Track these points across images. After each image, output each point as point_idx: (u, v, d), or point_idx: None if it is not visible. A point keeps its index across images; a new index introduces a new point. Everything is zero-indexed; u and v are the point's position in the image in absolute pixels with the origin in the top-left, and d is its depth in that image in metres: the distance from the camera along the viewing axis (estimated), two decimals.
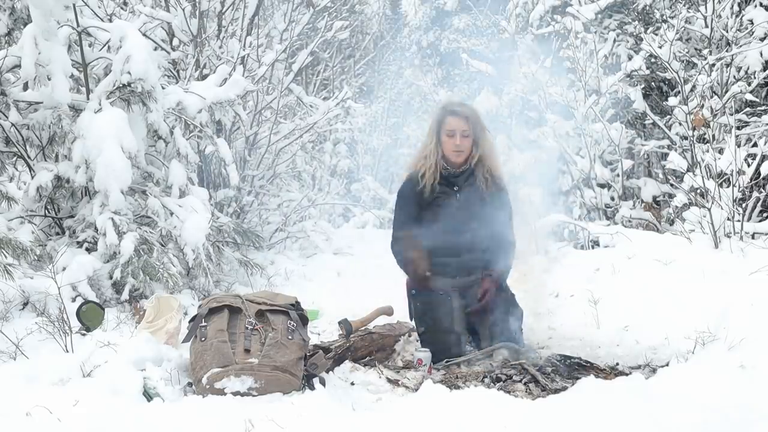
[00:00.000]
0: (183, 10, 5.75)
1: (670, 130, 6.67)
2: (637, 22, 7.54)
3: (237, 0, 6.23)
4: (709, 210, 4.16)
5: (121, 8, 6.01)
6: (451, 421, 1.96)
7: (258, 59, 6.34)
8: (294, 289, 4.48)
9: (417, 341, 3.19)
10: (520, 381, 2.69)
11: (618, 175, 6.70)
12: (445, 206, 3.25)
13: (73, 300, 3.50)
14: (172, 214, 4.17)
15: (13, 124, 4.02)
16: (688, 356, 2.66)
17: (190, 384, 2.48)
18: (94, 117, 3.84)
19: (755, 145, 4.90)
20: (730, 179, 4.28)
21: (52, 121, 3.96)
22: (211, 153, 5.06)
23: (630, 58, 7.17)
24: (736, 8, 5.77)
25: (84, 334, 2.93)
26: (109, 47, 4.11)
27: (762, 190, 4.85)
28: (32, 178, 4.06)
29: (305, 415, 2.07)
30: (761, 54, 5.57)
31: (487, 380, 2.73)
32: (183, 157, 4.49)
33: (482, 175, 3.26)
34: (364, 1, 18.21)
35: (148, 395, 2.29)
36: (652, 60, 6.54)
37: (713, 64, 5.58)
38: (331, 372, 2.77)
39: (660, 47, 6.03)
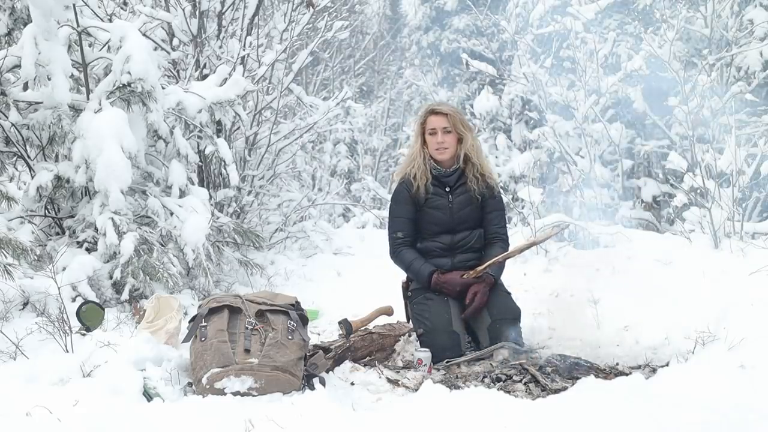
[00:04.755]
0: (183, 10, 5.75)
1: (670, 130, 6.67)
2: (637, 22, 7.54)
3: (237, 0, 6.23)
4: (709, 210, 4.16)
5: (121, 8, 6.00)
6: (451, 421, 1.96)
7: (258, 59, 6.34)
8: (294, 289, 4.47)
9: (417, 341, 3.20)
10: (520, 381, 2.69)
11: (618, 175, 6.71)
12: (437, 207, 3.28)
13: (73, 300, 3.49)
14: (172, 214, 4.17)
15: (13, 124, 4.01)
16: (688, 356, 2.66)
17: (190, 384, 2.48)
18: (94, 117, 3.84)
19: (755, 145, 4.90)
20: (730, 179, 4.29)
21: (52, 121, 3.95)
22: (211, 153, 5.06)
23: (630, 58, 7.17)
24: (736, 8, 5.78)
25: (84, 334, 2.92)
26: (109, 47, 4.11)
27: (762, 190, 4.85)
28: (32, 178, 4.06)
29: (305, 415, 2.07)
30: (761, 54, 5.57)
31: (487, 380, 2.73)
32: (183, 157, 4.49)
33: (473, 175, 3.30)
34: (364, 1, 18.22)
35: (148, 395, 2.29)
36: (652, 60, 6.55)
37: (713, 64, 5.58)
38: (331, 372, 2.77)
39: (660, 47, 6.03)
